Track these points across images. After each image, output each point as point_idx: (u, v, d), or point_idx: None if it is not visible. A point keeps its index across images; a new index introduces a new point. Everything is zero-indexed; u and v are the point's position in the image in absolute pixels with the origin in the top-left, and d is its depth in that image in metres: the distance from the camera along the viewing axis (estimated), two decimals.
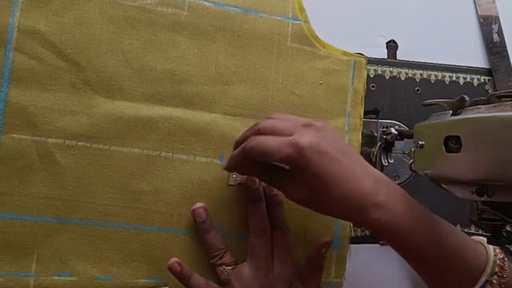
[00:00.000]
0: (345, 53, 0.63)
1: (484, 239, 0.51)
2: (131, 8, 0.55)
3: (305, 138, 0.45)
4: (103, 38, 0.55)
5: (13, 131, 0.52)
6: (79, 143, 0.54)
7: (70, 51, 0.54)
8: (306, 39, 0.61)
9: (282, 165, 0.50)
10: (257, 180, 0.56)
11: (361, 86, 0.63)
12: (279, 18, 0.60)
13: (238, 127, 0.58)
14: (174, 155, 0.57)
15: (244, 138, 0.51)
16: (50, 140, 0.53)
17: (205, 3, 0.58)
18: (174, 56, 0.57)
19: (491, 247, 0.51)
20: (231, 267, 0.54)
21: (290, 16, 0.61)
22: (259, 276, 0.53)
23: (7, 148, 0.52)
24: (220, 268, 0.54)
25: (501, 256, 0.50)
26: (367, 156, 0.64)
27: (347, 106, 0.62)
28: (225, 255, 0.55)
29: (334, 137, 0.48)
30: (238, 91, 0.59)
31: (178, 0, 0.57)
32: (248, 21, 0.59)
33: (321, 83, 0.62)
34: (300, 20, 0.61)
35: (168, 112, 0.56)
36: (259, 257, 0.54)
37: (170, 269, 0.54)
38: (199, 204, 0.56)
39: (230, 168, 0.53)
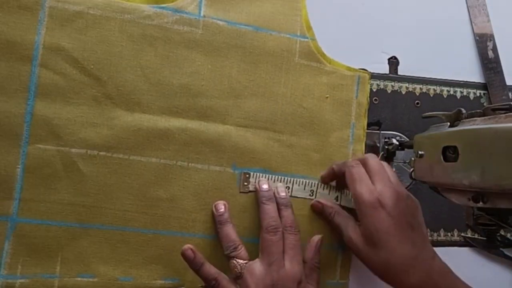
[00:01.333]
0: (349, 68, 0.64)
1: None
2: (149, 27, 0.57)
3: (386, 197, 0.52)
4: (123, 54, 0.56)
5: (39, 142, 0.54)
6: (101, 153, 0.55)
7: (92, 66, 0.55)
8: (313, 56, 0.63)
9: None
10: (268, 183, 0.59)
11: (364, 100, 0.64)
12: (288, 36, 0.62)
13: (249, 138, 0.60)
14: (190, 164, 0.58)
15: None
16: (73, 150, 0.55)
17: (218, 22, 0.59)
18: (189, 71, 0.58)
19: None
20: (245, 261, 0.54)
21: (298, 34, 0.62)
22: (271, 271, 0.52)
23: (33, 158, 0.53)
24: (234, 261, 0.54)
25: None
26: None
27: (352, 118, 0.64)
28: (239, 247, 0.55)
29: (414, 210, 0.54)
30: (250, 104, 0.60)
31: (193, 19, 0.58)
32: (259, 39, 0.60)
33: (327, 97, 0.63)
34: (307, 38, 0.62)
35: (184, 124, 0.58)
36: (272, 253, 0.53)
37: (183, 255, 0.54)
38: (220, 202, 0.58)
39: (326, 176, 0.60)
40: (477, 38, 0.71)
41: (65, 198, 0.55)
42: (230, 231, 0.56)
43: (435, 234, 0.66)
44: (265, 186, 0.58)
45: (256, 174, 0.60)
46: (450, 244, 0.67)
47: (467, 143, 0.46)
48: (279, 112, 0.61)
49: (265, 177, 0.60)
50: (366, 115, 0.65)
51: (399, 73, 0.68)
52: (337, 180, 0.61)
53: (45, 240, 0.54)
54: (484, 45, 0.71)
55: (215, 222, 0.57)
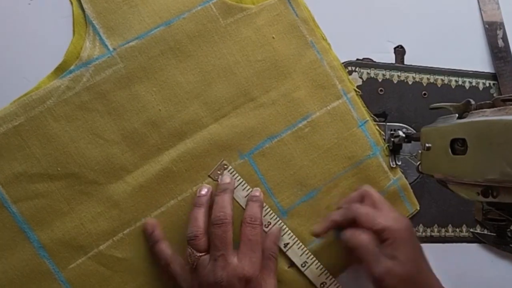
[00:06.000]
0: None
1: None
2: (75, 97, 0.54)
3: (406, 221, 0.54)
4: (73, 138, 0.54)
5: (69, 263, 0.53)
6: (125, 232, 0.55)
7: (58, 169, 0.53)
8: (234, 8, 0.59)
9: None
10: (231, 178, 0.57)
11: (305, 13, 0.62)
12: (199, 7, 0.58)
13: (235, 122, 0.58)
14: (204, 182, 0.57)
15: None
16: (101, 247, 0.54)
17: (130, 44, 0.56)
18: (141, 107, 0.56)
19: None
20: (200, 254, 0.52)
21: None
22: (215, 267, 0.50)
23: (76, 278, 0.53)
24: (189, 250, 0.52)
25: None
26: None
27: (307, 37, 0.62)
28: (200, 237, 0.52)
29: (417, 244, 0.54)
30: (213, 94, 0.58)
31: (108, 59, 0.55)
32: (177, 30, 0.57)
33: (273, 37, 0.60)
34: None
35: (173, 154, 0.56)
36: (216, 247, 0.51)
37: (144, 227, 0.54)
38: (206, 185, 0.57)
39: (323, 229, 0.58)
40: (487, 26, 0.71)
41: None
42: (200, 216, 0.54)
43: (443, 230, 0.66)
44: (226, 180, 0.57)
45: (233, 170, 0.58)
46: (459, 240, 0.66)
47: (476, 135, 0.45)
48: (243, 80, 0.59)
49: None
50: (317, 25, 0.63)
51: (405, 62, 0.68)
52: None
53: None
54: (494, 33, 0.70)
55: (194, 202, 0.56)
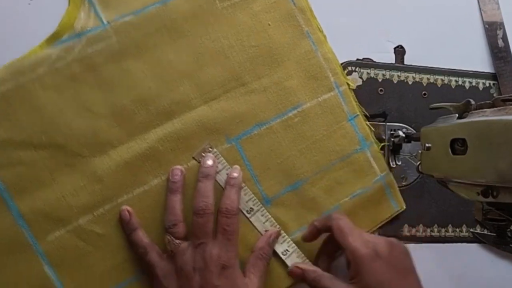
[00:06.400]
0: None
1: None
2: (66, 67, 0.53)
3: (381, 246, 0.51)
4: (61, 108, 0.53)
5: (47, 235, 0.52)
6: (106, 207, 0.54)
7: (43, 138, 0.52)
8: None
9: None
10: (214, 160, 0.56)
11: (303, 2, 0.61)
12: None
13: (224, 106, 0.58)
14: (189, 163, 0.56)
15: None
16: (81, 221, 0.53)
17: (125, 19, 0.55)
18: (131, 83, 0.55)
19: None
20: (179, 241, 0.52)
21: None
22: (195, 254, 0.51)
23: (54, 251, 0.52)
24: (168, 237, 0.52)
25: None
26: None
27: (303, 27, 0.61)
28: (179, 225, 0.53)
29: (404, 257, 0.53)
30: (205, 76, 0.57)
31: (101, 31, 0.54)
32: (172, 9, 0.56)
33: (269, 24, 0.60)
34: None
35: (159, 133, 0.56)
36: (197, 236, 0.51)
37: (120, 214, 0.54)
38: (178, 166, 0.56)
39: (308, 235, 0.57)
40: (487, 26, 0.71)
41: (106, 265, 0.54)
42: (177, 204, 0.54)
43: (443, 230, 0.66)
44: (208, 162, 0.56)
45: (217, 153, 0.57)
46: (459, 240, 0.66)
47: (476, 136, 0.45)
48: (236, 65, 0.58)
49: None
50: (314, 15, 0.62)
51: (405, 62, 0.67)
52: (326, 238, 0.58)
53: None
54: (494, 33, 0.70)
55: (168, 187, 0.55)
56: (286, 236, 0.59)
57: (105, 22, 0.55)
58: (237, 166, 0.57)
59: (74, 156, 0.53)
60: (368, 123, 0.63)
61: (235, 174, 0.56)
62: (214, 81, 0.58)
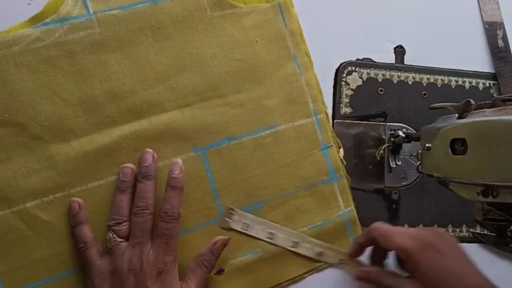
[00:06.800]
0: (267, 0, 0.61)
1: None
2: (43, 49, 0.53)
3: (428, 237, 0.51)
4: (30, 89, 0.52)
5: None
6: (56, 195, 0.52)
7: (6, 115, 0.51)
8: (225, 3, 0.58)
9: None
10: (152, 155, 0.54)
11: (294, 25, 0.61)
12: None
13: (197, 114, 0.57)
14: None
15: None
16: (28, 204, 0.52)
17: (112, 12, 0.55)
18: (106, 75, 0.54)
19: None
20: (121, 240, 0.51)
21: None
22: (132, 254, 0.50)
23: None
24: (110, 234, 0.51)
25: None
26: (372, 156, 0.64)
27: (291, 49, 0.60)
28: (124, 224, 0.52)
29: (453, 243, 0.53)
30: (183, 81, 0.56)
31: (85, 21, 0.54)
32: (162, 10, 0.56)
33: (256, 41, 0.59)
34: None
35: (126, 130, 0.54)
36: (135, 235, 0.51)
37: (70, 205, 0.52)
38: (129, 165, 0.54)
39: (352, 252, 0.58)
40: (487, 26, 0.71)
41: (43, 253, 0.52)
42: (124, 203, 0.53)
43: (443, 230, 0.66)
44: (148, 160, 0.54)
45: (243, 213, 0.57)
46: (459, 240, 0.64)
47: (476, 136, 0.45)
48: (216, 75, 0.58)
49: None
50: (303, 40, 0.62)
51: (405, 62, 0.67)
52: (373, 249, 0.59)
53: None
54: (494, 33, 0.70)
55: (116, 186, 0.54)
56: (311, 239, 0.59)
57: (91, 12, 0.54)
58: (179, 160, 0.55)
59: (34, 138, 0.52)
60: (341, 156, 0.62)
61: (176, 173, 0.54)
62: (191, 87, 0.57)
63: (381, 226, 0.54)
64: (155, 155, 0.54)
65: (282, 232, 0.58)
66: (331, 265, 0.60)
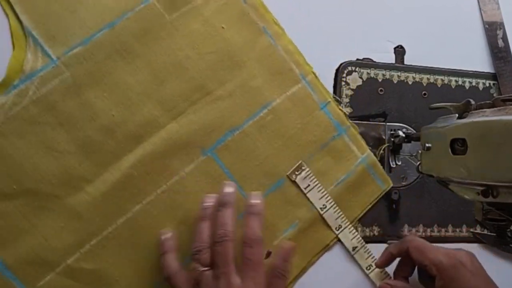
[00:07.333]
0: None
1: None
2: (23, 111, 0.52)
3: (462, 257, 0.54)
4: (26, 153, 0.52)
5: (37, 281, 0.51)
6: (92, 243, 0.53)
7: (14, 187, 0.51)
8: (178, 2, 0.57)
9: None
10: (231, 186, 0.55)
11: None
12: (142, 5, 0.56)
13: (193, 118, 0.57)
14: (168, 182, 0.56)
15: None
16: (69, 261, 0.52)
17: (74, 51, 0.53)
18: (93, 114, 0.54)
19: None
20: (204, 268, 0.51)
21: None
22: (219, 286, 0.49)
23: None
24: (194, 264, 0.51)
25: None
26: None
27: (258, 24, 0.60)
28: (204, 251, 0.51)
29: (481, 265, 0.55)
30: (166, 92, 0.56)
31: (53, 68, 0.53)
32: (121, 32, 0.55)
33: (223, 27, 0.58)
34: None
35: (131, 159, 0.54)
36: (217, 265, 0.50)
37: (159, 233, 0.54)
38: (212, 195, 0.55)
39: (382, 262, 0.60)
40: (487, 26, 0.71)
41: None
42: (204, 230, 0.53)
43: (443, 230, 0.66)
44: (227, 190, 0.54)
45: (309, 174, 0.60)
46: (459, 240, 0.66)
47: (476, 136, 0.45)
48: (196, 75, 0.57)
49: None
50: (267, 10, 0.61)
51: (405, 62, 0.67)
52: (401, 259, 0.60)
53: None
54: (494, 33, 0.70)
55: (198, 214, 0.54)
56: (354, 231, 0.61)
57: (54, 58, 0.53)
58: (258, 192, 0.57)
59: (49, 198, 0.52)
60: (340, 107, 0.62)
61: (254, 201, 0.55)
62: (177, 95, 0.56)
63: (417, 239, 0.56)
64: (235, 185, 0.56)
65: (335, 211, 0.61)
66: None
